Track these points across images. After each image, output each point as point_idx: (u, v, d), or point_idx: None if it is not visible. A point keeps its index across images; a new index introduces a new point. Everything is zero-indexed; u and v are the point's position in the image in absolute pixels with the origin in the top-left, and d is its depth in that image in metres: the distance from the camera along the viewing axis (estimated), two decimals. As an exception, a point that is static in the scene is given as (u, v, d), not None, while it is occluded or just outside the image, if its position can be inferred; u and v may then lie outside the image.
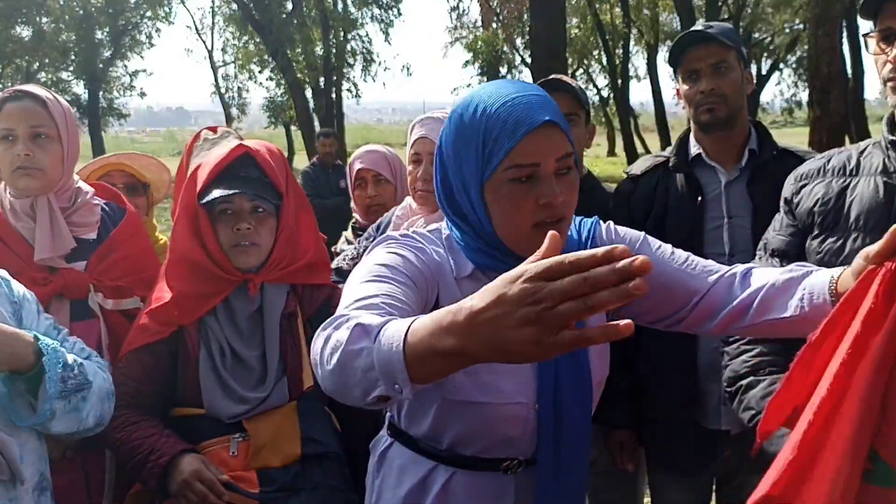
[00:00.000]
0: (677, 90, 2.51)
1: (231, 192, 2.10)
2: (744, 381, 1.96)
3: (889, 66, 1.80)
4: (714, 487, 2.63)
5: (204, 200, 2.12)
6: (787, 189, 2.06)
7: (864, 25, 1.89)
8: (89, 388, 1.82)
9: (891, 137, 1.88)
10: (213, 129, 2.84)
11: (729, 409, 2.35)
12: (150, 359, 2.14)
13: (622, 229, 1.69)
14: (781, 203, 2.07)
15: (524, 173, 1.42)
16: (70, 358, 1.79)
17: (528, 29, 21.78)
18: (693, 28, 2.47)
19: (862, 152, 1.96)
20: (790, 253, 1.99)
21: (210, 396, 2.08)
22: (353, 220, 3.20)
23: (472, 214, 1.50)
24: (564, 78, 2.65)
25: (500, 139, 1.42)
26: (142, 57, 35.30)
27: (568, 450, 1.56)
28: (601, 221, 1.70)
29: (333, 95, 29.22)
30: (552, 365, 1.51)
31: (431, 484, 1.60)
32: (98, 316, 2.30)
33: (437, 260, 1.54)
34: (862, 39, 1.90)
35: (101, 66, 32.10)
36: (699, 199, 2.40)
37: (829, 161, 2.00)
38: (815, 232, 1.93)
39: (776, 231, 2.06)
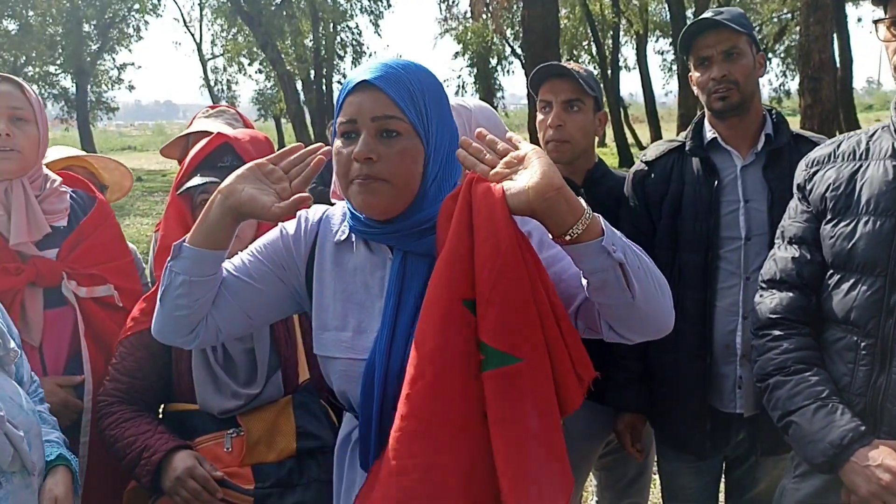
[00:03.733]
0: (690, 76, 2.52)
1: (205, 180, 2.08)
2: (770, 381, 1.98)
3: None
4: (723, 469, 2.65)
5: (180, 190, 2.11)
6: (800, 175, 2.08)
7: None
8: None
9: None
10: (213, 107, 2.87)
11: (743, 392, 2.38)
12: (143, 353, 2.12)
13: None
14: (794, 189, 2.09)
15: (345, 129, 1.56)
16: None
17: (517, 20, 21.75)
18: (703, 15, 2.46)
19: (871, 137, 1.98)
20: (808, 239, 2.01)
21: (202, 392, 2.05)
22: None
23: None
24: (569, 64, 2.63)
25: (339, 100, 1.60)
26: (130, 50, 35.11)
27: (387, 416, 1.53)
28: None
29: (324, 87, 29.17)
30: (390, 330, 1.55)
31: (348, 442, 1.71)
32: (71, 304, 2.28)
33: (316, 231, 1.72)
34: (872, 26, 1.91)
35: (88, 59, 31.92)
36: (716, 182, 2.41)
37: (838, 146, 2.02)
38: (828, 217, 1.95)
39: (792, 218, 2.07)
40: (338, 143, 1.58)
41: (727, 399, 2.42)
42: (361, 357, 1.58)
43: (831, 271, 1.95)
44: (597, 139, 2.69)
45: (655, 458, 2.78)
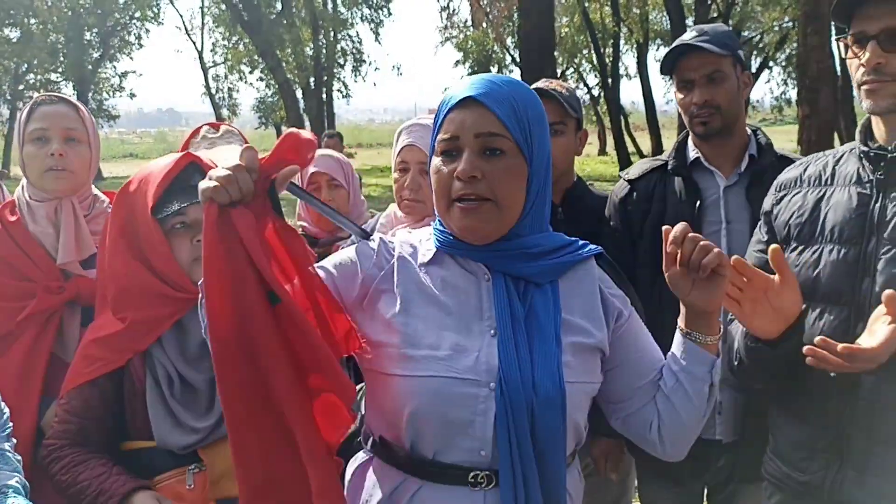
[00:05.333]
0: (675, 94, 2.47)
1: (189, 202, 1.97)
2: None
3: (862, 69, 1.78)
4: (705, 496, 2.60)
5: (162, 215, 2.00)
6: (768, 200, 2.03)
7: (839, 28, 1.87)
8: None
9: (863, 148, 1.84)
10: (216, 126, 2.64)
11: (723, 418, 2.33)
12: (93, 391, 1.99)
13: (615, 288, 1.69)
14: (762, 214, 2.04)
15: (446, 146, 1.51)
16: None
17: (517, 28, 21.75)
18: (684, 38, 2.40)
19: (838, 161, 1.92)
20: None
21: (160, 428, 1.95)
22: (300, 230, 2.97)
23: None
24: (551, 85, 2.58)
25: (438, 115, 1.55)
26: (131, 58, 35.13)
27: (536, 451, 1.46)
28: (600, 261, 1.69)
29: (324, 96, 29.20)
30: (513, 345, 1.49)
31: (398, 499, 1.55)
32: None
33: (397, 254, 1.61)
34: (836, 43, 1.88)
35: (89, 67, 31.96)
36: (697, 203, 2.37)
37: (805, 170, 1.97)
38: (793, 245, 1.90)
39: (752, 246, 2.04)
40: (437, 161, 1.53)
41: (706, 425, 2.35)
42: (467, 377, 1.47)
43: None
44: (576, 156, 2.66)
45: (636, 484, 2.73)
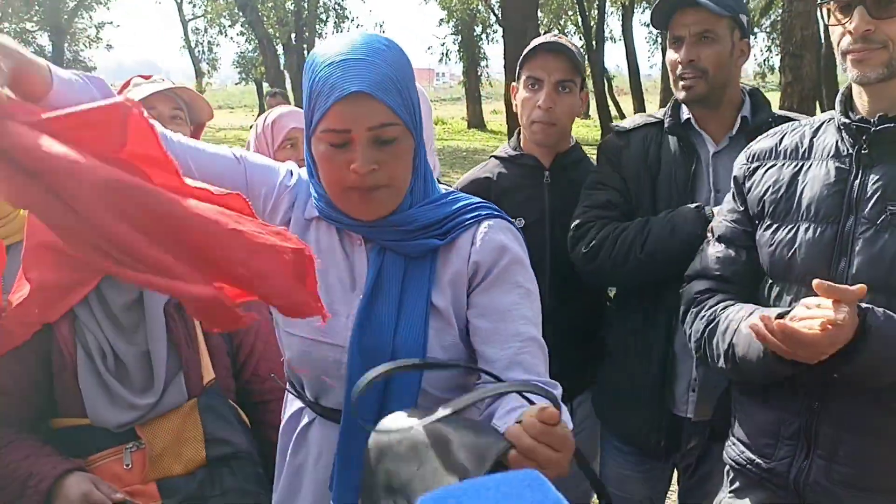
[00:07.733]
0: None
1: None
2: (706, 335, 1.85)
3: (848, 37, 1.66)
4: (676, 478, 2.52)
5: None
6: (739, 168, 1.91)
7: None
8: None
9: (843, 119, 1.73)
10: (146, 77, 2.55)
11: (697, 396, 2.24)
12: (18, 367, 1.84)
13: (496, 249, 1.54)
14: (732, 182, 1.93)
15: (337, 139, 1.45)
16: None
17: (502, -13, 21.44)
18: None
19: (816, 132, 1.81)
20: (735, 241, 1.88)
21: (93, 404, 1.82)
22: None
23: (311, 164, 1.56)
24: (565, 41, 2.41)
25: (319, 100, 1.45)
26: (108, 8, 34.07)
27: (385, 408, 1.48)
28: (486, 225, 1.56)
29: (305, 52, 28.75)
30: (375, 312, 1.52)
31: (297, 423, 1.69)
32: None
33: (298, 193, 1.63)
34: (819, 10, 1.75)
35: (65, 17, 31.27)
36: (693, 166, 2.24)
37: (781, 141, 1.86)
38: (767, 222, 1.80)
39: (722, 216, 1.94)
40: (325, 147, 1.47)
41: (680, 402, 2.28)
42: (327, 340, 1.55)
43: (770, 281, 1.81)
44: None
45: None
